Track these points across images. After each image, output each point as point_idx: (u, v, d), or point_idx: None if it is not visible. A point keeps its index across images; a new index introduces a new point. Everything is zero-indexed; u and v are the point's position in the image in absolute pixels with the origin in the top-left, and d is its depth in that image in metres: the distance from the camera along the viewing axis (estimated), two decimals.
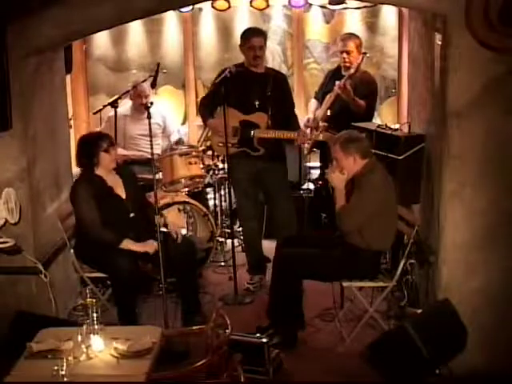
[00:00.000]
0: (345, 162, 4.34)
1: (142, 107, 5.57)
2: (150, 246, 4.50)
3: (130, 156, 5.90)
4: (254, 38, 5.28)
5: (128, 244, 4.51)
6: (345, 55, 5.84)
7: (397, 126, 5.10)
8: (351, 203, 4.34)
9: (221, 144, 5.25)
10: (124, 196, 4.68)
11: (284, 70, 6.94)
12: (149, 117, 4.49)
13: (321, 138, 5.39)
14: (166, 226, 4.79)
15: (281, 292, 4.53)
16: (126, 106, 6.25)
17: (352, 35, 5.98)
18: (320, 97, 6.08)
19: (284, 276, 4.50)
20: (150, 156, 4.58)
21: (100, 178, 4.63)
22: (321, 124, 5.77)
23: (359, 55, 5.84)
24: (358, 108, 5.66)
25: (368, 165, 4.37)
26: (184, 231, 5.42)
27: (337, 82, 5.73)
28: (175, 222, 5.16)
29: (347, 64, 5.82)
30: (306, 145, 5.97)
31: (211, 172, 6.07)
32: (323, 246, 4.63)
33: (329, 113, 5.83)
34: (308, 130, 5.78)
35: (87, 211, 4.54)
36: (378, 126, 5.10)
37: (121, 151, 5.60)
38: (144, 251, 4.52)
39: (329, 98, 5.84)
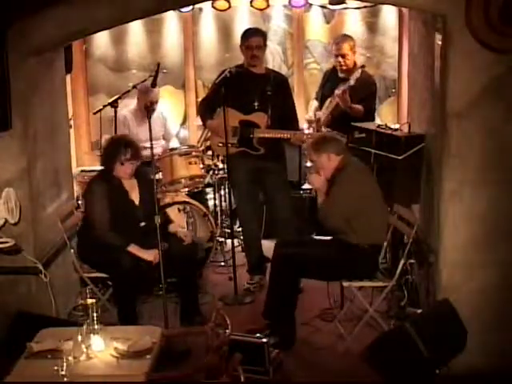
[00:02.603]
0: (319, 162, 4.48)
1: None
2: (155, 256, 4.50)
3: None
4: (252, 37, 5.29)
5: (133, 249, 4.52)
6: (340, 59, 5.83)
7: (397, 126, 5.10)
8: (329, 198, 4.46)
9: (220, 144, 5.25)
10: (138, 201, 4.69)
11: (284, 70, 6.95)
12: (149, 116, 4.50)
13: None
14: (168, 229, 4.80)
15: (279, 291, 4.54)
16: (129, 106, 6.26)
17: (346, 37, 5.98)
18: (319, 97, 6.09)
19: (282, 275, 4.51)
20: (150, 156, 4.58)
21: (118, 180, 4.64)
22: (323, 129, 5.80)
23: (354, 56, 5.86)
24: (356, 114, 5.67)
25: (343, 160, 4.48)
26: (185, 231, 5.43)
27: (336, 91, 5.73)
28: (175, 222, 5.16)
29: (343, 67, 5.83)
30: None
31: (211, 172, 6.08)
32: (321, 246, 4.65)
33: (330, 118, 5.84)
34: (310, 129, 5.81)
35: (98, 211, 4.55)
36: (378, 125, 5.10)
37: None
38: (148, 259, 4.53)
39: (329, 104, 5.86)
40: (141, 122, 6.05)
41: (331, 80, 5.96)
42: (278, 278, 4.56)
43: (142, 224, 4.66)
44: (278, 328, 4.46)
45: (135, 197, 4.70)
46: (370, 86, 5.93)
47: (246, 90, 5.29)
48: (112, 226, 4.54)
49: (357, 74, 5.67)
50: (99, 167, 5.01)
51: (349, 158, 4.54)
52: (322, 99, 6.02)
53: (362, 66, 5.80)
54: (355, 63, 5.83)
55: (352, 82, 5.66)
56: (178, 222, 5.38)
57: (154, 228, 4.46)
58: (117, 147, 4.62)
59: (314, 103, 6.21)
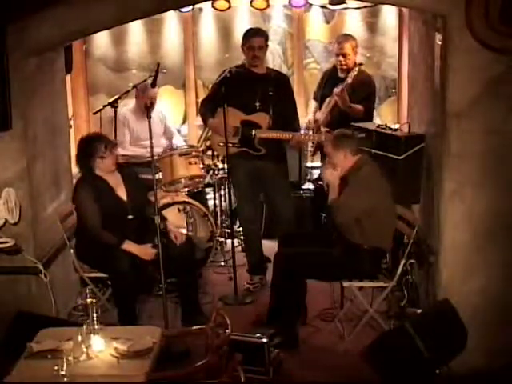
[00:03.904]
0: (336, 158, 4.47)
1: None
2: (150, 253, 4.52)
3: (132, 156, 5.91)
4: (253, 38, 5.29)
5: (128, 246, 4.52)
6: (341, 58, 5.82)
7: (397, 126, 5.10)
8: (341, 197, 4.43)
9: (221, 144, 5.25)
10: (125, 197, 4.69)
11: (284, 69, 6.95)
12: (149, 116, 4.50)
13: (323, 138, 5.40)
14: (165, 228, 4.78)
15: (282, 291, 4.54)
16: (129, 105, 6.26)
17: (348, 37, 5.97)
18: (319, 98, 6.08)
19: (285, 275, 4.50)
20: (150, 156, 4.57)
21: (101, 178, 4.65)
22: (322, 129, 5.79)
23: (355, 56, 5.85)
24: (355, 114, 5.66)
25: (359, 161, 4.47)
26: (184, 231, 5.42)
27: (335, 90, 5.73)
28: (175, 222, 5.15)
29: (344, 66, 5.82)
30: (310, 148, 5.99)
31: (211, 172, 6.08)
32: (323, 244, 4.65)
33: (329, 118, 5.84)
34: (310, 132, 5.82)
35: (88, 212, 4.57)
36: (378, 125, 5.10)
37: (120, 151, 5.59)
38: (144, 258, 4.54)
39: (328, 104, 5.85)
40: (140, 119, 6.05)
41: (331, 80, 5.96)
42: (281, 277, 4.56)
43: (130, 217, 4.65)
44: (282, 328, 4.46)
45: (122, 193, 4.70)
46: (369, 86, 5.93)
47: (247, 90, 5.29)
48: (104, 224, 4.55)
49: (354, 72, 5.67)
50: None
51: (365, 159, 4.52)
52: (321, 99, 6.01)
53: (360, 64, 5.81)
54: (355, 63, 5.83)
55: (349, 80, 5.66)
56: (178, 222, 5.38)
57: (145, 222, 4.49)
58: (92, 143, 4.62)
59: (313, 104, 6.21)
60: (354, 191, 4.39)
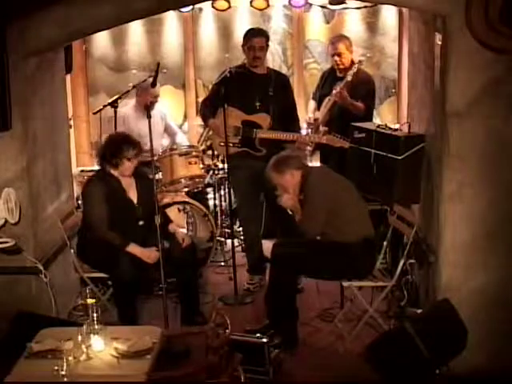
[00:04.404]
0: (284, 181, 4.53)
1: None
2: (153, 257, 4.51)
3: None
4: (254, 38, 5.29)
5: (133, 249, 4.52)
6: (336, 58, 5.86)
7: (397, 126, 5.10)
8: (304, 212, 4.49)
9: (222, 144, 5.26)
10: (136, 200, 4.68)
11: (284, 70, 6.95)
12: (149, 116, 4.49)
13: (324, 140, 5.40)
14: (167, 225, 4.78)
15: (280, 291, 4.53)
16: (129, 105, 6.26)
17: (341, 36, 6.02)
18: (317, 98, 6.09)
19: (282, 274, 4.51)
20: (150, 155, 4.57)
21: (116, 178, 4.65)
22: (321, 128, 5.79)
23: (351, 55, 5.88)
24: (356, 111, 5.67)
25: (304, 172, 4.54)
26: (184, 231, 5.43)
27: (333, 91, 5.74)
28: (175, 222, 5.15)
29: (340, 66, 5.85)
30: (308, 147, 5.99)
31: (211, 172, 6.08)
32: (320, 246, 4.67)
33: (328, 117, 5.84)
34: (309, 131, 5.82)
35: (96, 210, 4.56)
36: (378, 125, 5.10)
37: None
38: (147, 261, 4.54)
39: (327, 103, 5.85)
40: (141, 118, 6.04)
41: (329, 80, 5.98)
42: (278, 276, 4.56)
43: (141, 223, 4.65)
44: (282, 328, 4.45)
45: (133, 196, 4.70)
46: (369, 84, 5.95)
47: (247, 90, 5.29)
48: (110, 225, 4.54)
49: (353, 69, 5.70)
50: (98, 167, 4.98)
51: (309, 169, 4.63)
52: (320, 99, 6.02)
53: (359, 62, 5.83)
54: (353, 62, 5.85)
55: (349, 77, 5.68)
56: (178, 222, 5.38)
57: (153, 227, 4.46)
58: (122, 144, 4.60)
59: (312, 104, 6.22)
60: (312, 201, 4.45)
